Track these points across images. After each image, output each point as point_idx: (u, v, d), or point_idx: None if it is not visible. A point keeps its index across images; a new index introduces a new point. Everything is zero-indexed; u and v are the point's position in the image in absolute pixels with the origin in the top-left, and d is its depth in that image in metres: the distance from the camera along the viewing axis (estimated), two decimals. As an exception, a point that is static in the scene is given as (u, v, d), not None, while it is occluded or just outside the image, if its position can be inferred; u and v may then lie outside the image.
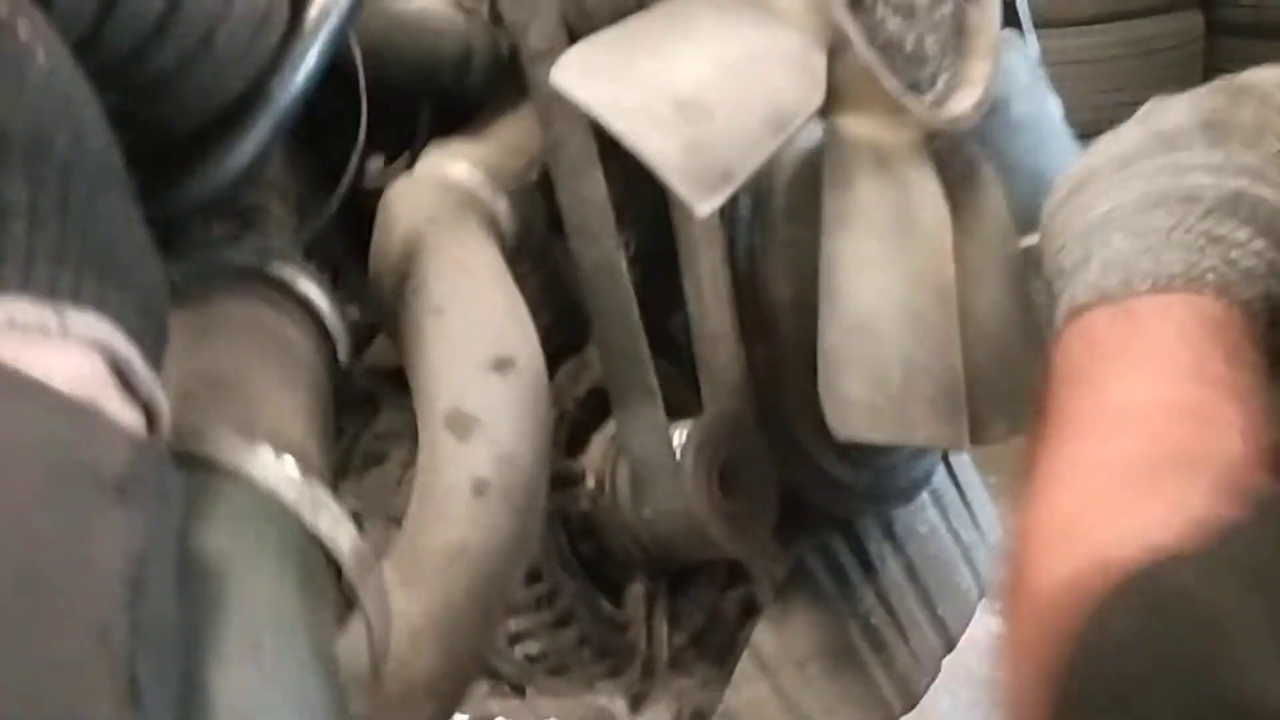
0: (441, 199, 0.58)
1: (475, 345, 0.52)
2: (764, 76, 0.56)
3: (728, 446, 0.64)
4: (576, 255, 0.62)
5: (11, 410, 0.29)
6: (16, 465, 0.28)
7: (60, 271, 0.30)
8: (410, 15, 0.61)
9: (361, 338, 0.62)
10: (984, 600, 1.06)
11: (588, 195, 0.60)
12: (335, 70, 0.57)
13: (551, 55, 0.55)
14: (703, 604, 0.71)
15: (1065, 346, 0.51)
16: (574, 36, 0.63)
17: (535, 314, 0.66)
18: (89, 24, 0.39)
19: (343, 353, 0.55)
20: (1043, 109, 0.87)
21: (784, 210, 0.76)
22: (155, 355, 0.34)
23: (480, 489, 0.48)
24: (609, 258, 0.61)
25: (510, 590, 0.50)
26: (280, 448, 0.42)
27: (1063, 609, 0.38)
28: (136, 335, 0.32)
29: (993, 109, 0.80)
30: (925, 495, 1.01)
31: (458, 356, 0.51)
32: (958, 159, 0.73)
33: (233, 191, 0.49)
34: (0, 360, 0.29)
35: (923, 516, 1.00)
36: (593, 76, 0.50)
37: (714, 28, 0.56)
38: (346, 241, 0.62)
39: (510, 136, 0.63)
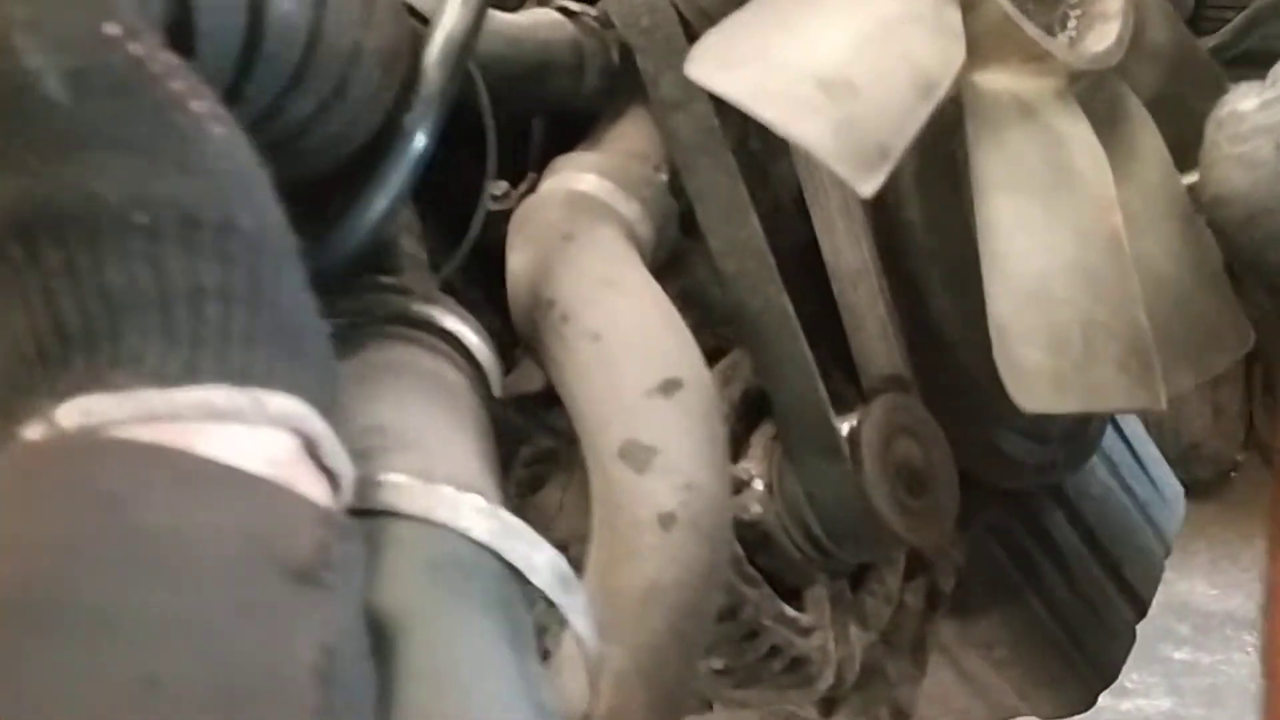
0: (575, 213, 0.56)
1: (639, 369, 0.49)
2: (903, 42, 0.52)
3: (899, 436, 0.60)
4: (736, 304, 0.59)
5: (206, 501, 0.29)
6: (207, 564, 0.27)
7: (254, 353, 0.30)
8: (520, 28, 0.59)
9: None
10: (1169, 558, 1.00)
11: (744, 241, 0.58)
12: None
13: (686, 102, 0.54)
14: (888, 599, 0.68)
15: None
16: (693, 38, 0.60)
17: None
18: (229, 81, 0.38)
19: (495, 386, 0.53)
20: (1179, 35, 0.81)
21: (912, 177, 0.72)
22: (334, 423, 0.33)
23: (667, 522, 0.46)
24: (774, 304, 0.58)
25: (710, 620, 0.48)
26: (462, 486, 0.41)
27: None
28: (323, 409, 0.32)
29: (1130, 41, 0.74)
30: (1095, 458, 0.96)
31: (623, 383, 0.49)
32: (1104, 98, 0.68)
33: (376, 238, 0.47)
34: (198, 451, 0.29)
35: (1094, 478, 0.95)
36: (730, 65, 0.48)
37: (843, 2, 0.53)
38: (474, 271, 0.61)
39: (632, 141, 0.61)
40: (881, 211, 0.70)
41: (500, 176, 0.63)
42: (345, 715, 0.28)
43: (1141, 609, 0.94)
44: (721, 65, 0.48)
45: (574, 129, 0.64)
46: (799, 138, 0.46)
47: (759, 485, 0.61)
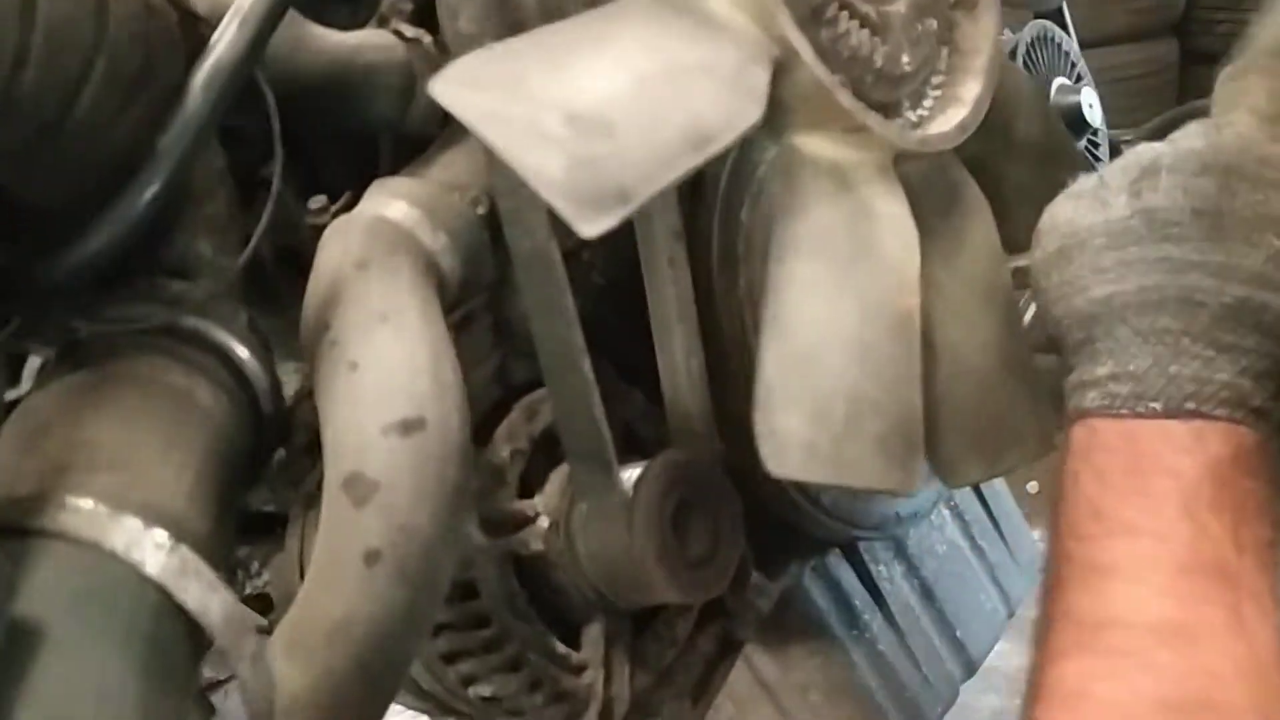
0: (373, 239, 0.57)
1: (384, 405, 0.50)
2: (686, 91, 0.51)
3: (682, 488, 0.61)
4: (538, 347, 0.59)
5: None
6: None
7: None
8: (344, 49, 0.59)
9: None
10: (1011, 619, 1.01)
11: (549, 299, 0.58)
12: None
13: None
14: (673, 641, 0.69)
15: (1073, 453, 0.52)
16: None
17: (484, 355, 0.65)
18: None
19: (266, 403, 0.54)
20: (1051, 128, 0.81)
21: (756, 240, 0.72)
22: None
23: (371, 559, 0.47)
24: (570, 357, 0.59)
25: (405, 662, 0.49)
26: (152, 517, 0.42)
27: None
28: None
29: (992, 130, 0.74)
30: (945, 511, 0.97)
31: (365, 416, 0.50)
32: (942, 183, 0.68)
33: (125, 246, 0.48)
34: None
35: (942, 534, 0.96)
36: (476, 87, 0.46)
37: (636, 39, 0.52)
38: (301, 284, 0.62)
39: (454, 170, 0.61)
40: (708, 265, 0.71)
41: (361, 181, 0.64)
42: None
43: (970, 668, 0.96)
44: (467, 85, 0.46)
45: (426, 145, 0.65)
46: (521, 168, 0.43)
47: (544, 523, 0.63)
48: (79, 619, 0.38)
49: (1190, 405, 0.49)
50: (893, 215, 0.61)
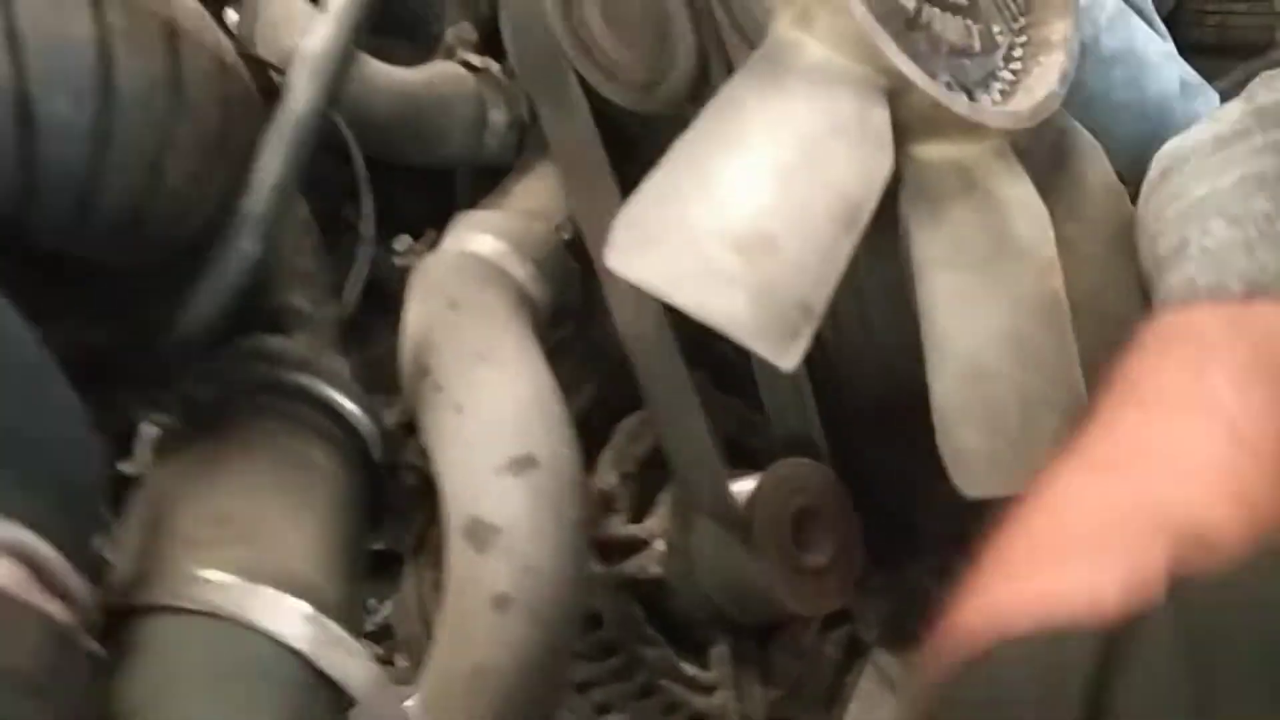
0: (462, 277, 0.56)
1: (493, 445, 0.49)
2: (824, 168, 0.49)
3: (796, 499, 0.59)
4: (636, 367, 0.58)
5: None
6: None
7: None
8: (414, 85, 0.59)
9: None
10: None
11: (644, 309, 0.57)
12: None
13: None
14: (799, 653, 0.67)
15: (1148, 340, 0.48)
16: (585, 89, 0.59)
17: (581, 380, 0.64)
18: (10, 216, 0.39)
19: (376, 451, 0.54)
20: (1135, 37, 0.77)
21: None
22: (83, 538, 0.35)
23: (501, 605, 0.46)
24: (670, 371, 0.58)
25: (550, 702, 0.48)
26: (286, 586, 0.42)
27: (944, 659, 0.36)
28: (57, 532, 0.33)
29: (1083, 51, 0.71)
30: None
31: (476, 458, 0.49)
32: (1049, 134, 0.65)
33: (228, 310, 0.48)
34: None
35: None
36: (645, 245, 0.46)
37: (763, 124, 0.50)
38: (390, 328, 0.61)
39: (534, 198, 0.61)
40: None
41: (440, 217, 0.63)
42: None
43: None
44: (638, 246, 0.46)
45: (503, 175, 0.64)
46: (716, 322, 0.44)
47: (659, 545, 0.61)
48: (224, 697, 0.37)
49: (1273, 285, 0.45)
50: (1019, 199, 0.59)
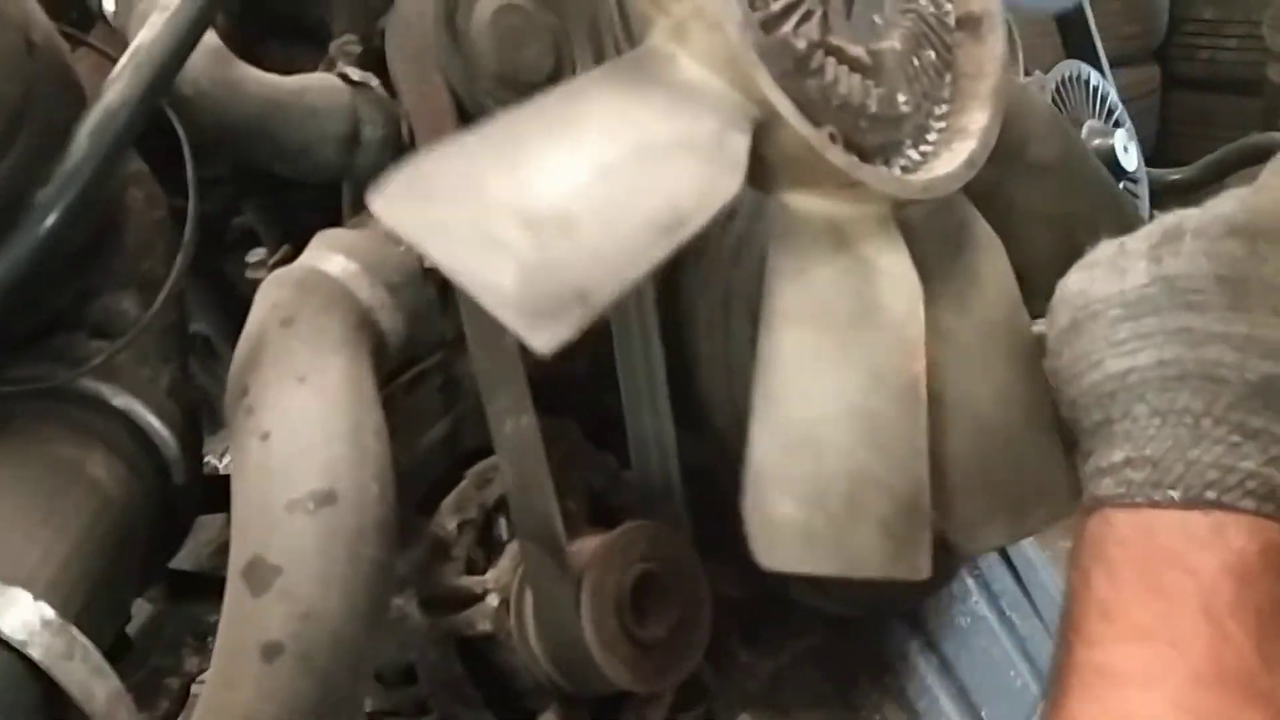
0: (304, 295, 0.53)
1: (292, 477, 0.46)
2: (656, 173, 0.46)
3: (637, 567, 0.56)
4: (475, 365, 0.55)
5: None
6: None
7: None
8: (282, 92, 0.56)
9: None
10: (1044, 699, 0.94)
11: (500, 364, 0.54)
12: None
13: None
14: (643, 731, 0.63)
15: (1085, 547, 0.48)
16: (461, 108, 0.57)
17: (436, 417, 0.61)
18: None
19: (178, 474, 0.50)
20: (1070, 151, 0.75)
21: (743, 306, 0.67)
22: None
23: (270, 653, 0.42)
24: (520, 423, 0.54)
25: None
26: (35, 594, 0.38)
27: None
28: None
29: (1007, 156, 0.69)
30: (969, 581, 0.90)
31: (271, 492, 0.46)
32: (950, 221, 0.62)
33: (7, 302, 0.44)
34: None
35: (964, 606, 0.89)
36: (421, 198, 0.42)
37: (602, 120, 0.47)
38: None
39: (398, 221, 0.57)
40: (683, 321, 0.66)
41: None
42: None
43: (998, 753, 0.88)
44: (411, 196, 0.42)
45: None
46: (468, 284, 0.39)
47: (494, 601, 0.58)
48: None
49: (1211, 495, 0.44)
50: (894, 272, 0.56)
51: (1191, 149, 1.03)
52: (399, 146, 0.60)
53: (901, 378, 0.55)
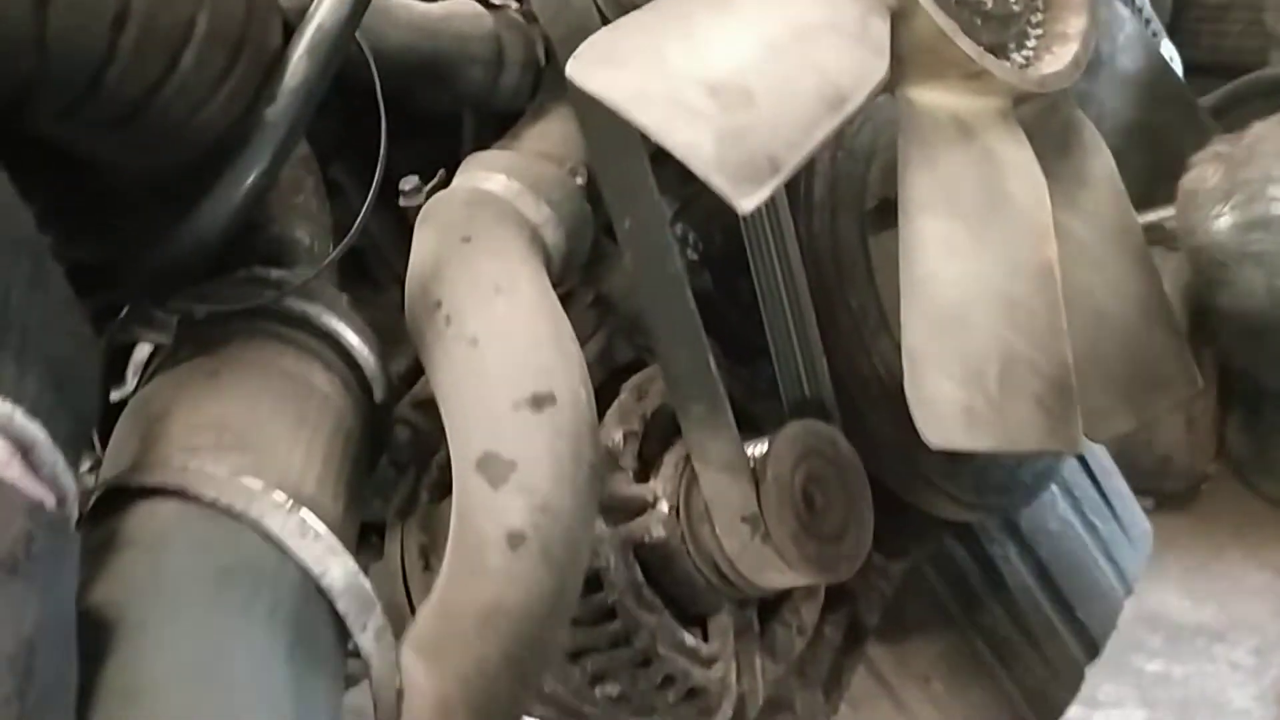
0: (476, 215, 0.54)
1: (511, 380, 0.47)
2: (815, 52, 0.49)
3: (808, 462, 0.58)
4: (645, 313, 0.57)
5: None
6: None
7: None
8: (432, 19, 0.57)
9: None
10: (1130, 598, 0.97)
11: (655, 251, 0.55)
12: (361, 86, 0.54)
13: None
14: (801, 629, 0.65)
15: None
16: (607, 23, 0.58)
17: (591, 331, 0.62)
18: (15, 98, 0.36)
19: (379, 391, 0.51)
20: (1153, 62, 0.77)
21: (872, 196, 0.69)
22: (75, 429, 0.33)
23: (515, 542, 0.43)
24: (680, 318, 0.56)
25: (552, 653, 0.46)
26: (282, 490, 0.39)
27: None
28: (46, 413, 0.31)
29: (1097, 65, 0.71)
30: (1054, 488, 0.93)
31: (493, 392, 0.47)
32: (1056, 122, 0.65)
33: (235, 225, 0.45)
34: None
35: (1053, 512, 0.92)
36: (613, 66, 0.45)
37: (756, 2, 0.50)
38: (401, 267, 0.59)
39: (549, 141, 0.59)
40: (823, 237, 0.67)
41: (439, 166, 0.61)
42: (40, 708, 0.28)
43: (1093, 649, 0.91)
44: (604, 64, 0.45)
45: (511, 121, 0.62)
46: (675, 146, 0.42)
47: (664, 507, 0.59)
48: (223, 600, 0.35)
49: None
50: (1019, 162, 0.58)
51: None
52: (537, 70, 0.60)
53: (1036, 263, 0.57)
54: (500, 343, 0.48)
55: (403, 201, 0.58)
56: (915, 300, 0.53)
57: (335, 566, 0.38)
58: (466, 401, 0.47)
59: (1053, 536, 0.90)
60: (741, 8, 0.50)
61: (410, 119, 0.63)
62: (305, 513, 0.38)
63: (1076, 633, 0.90)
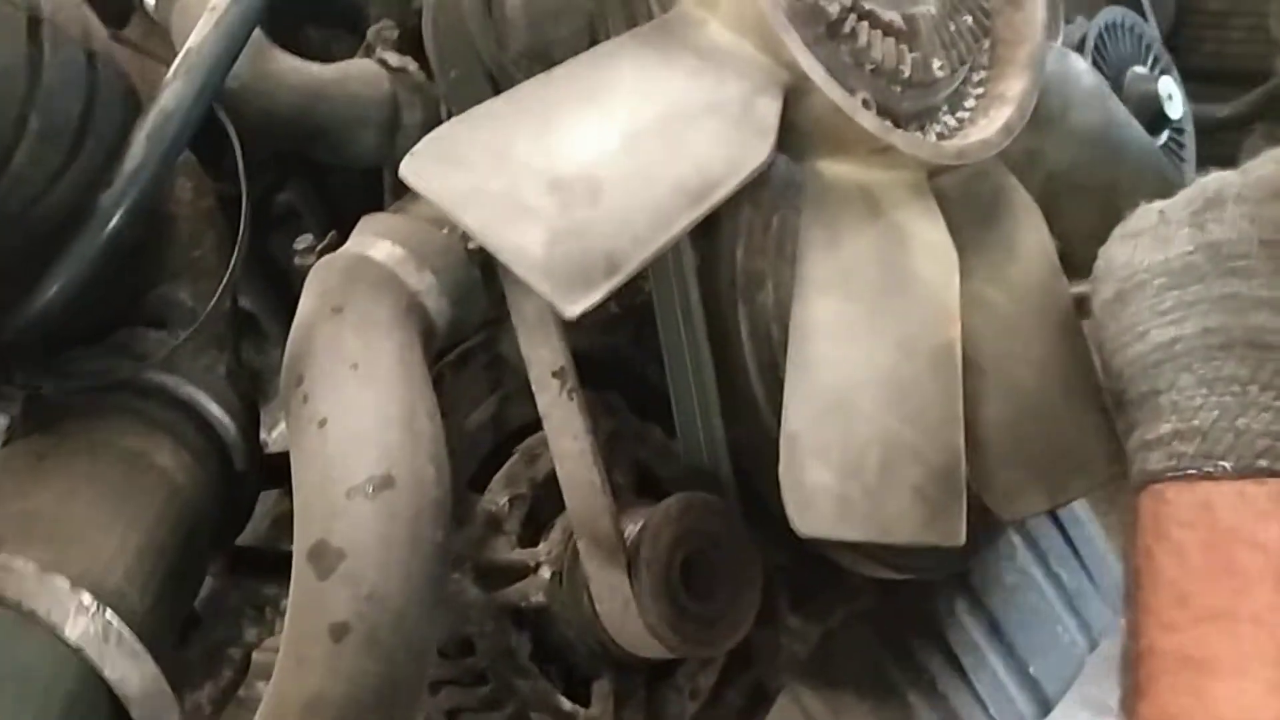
0: (353, 282, 0.54)
1: (351, 463, 0.47)
2: (685, 139, 0.47)
3: (688, 541, 0.57)
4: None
5: None
6: None
7: None
8: (324, 81, 0.57)
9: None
10: (1093, 653, 0.94)
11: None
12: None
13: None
14: (695, 693, 0.65)
15: (1144, 527, 0.48)
16: (497, 90, 0.57)
17: (486, 393, 0.62)
18: None
19: (239, 460, 0.52)
20: (1112, 119, 0.74)
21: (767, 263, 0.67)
22: None
23: (338, 633, 0.44)
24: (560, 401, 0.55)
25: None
26: (83, 585, 0.40)
27: None
28: None
29: (1046, 121, 0.68)
30: (1015, 539, 0.90)
31: (331, 477, 0.47)
32: (985, 188, 0.62)
33: (77, 300, 0.46)
34: None
35: (1011, 564, 0.89)
36: (450, 163, 0.43)
37: (631, 86, 0.48)
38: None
39: (441, 205, 0.58)
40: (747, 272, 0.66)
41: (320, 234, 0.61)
42: None
43: (1045, 707, 0.89)
44: (441, 161, 0.43)
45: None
46: (500, 250, 0.41)
47: (546, 573, 0.59)
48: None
49: (1264, 463, 0.44)
50: (928, 239, 0.56)
51: (1197, 140, 1.01)
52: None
53: (934, 345, 0.55)
54: (346, 424, 0.48)
55: (296, 260, 0.58)
56: (799, 384, 0.52)
57: (134, 674, 0.39)
58: (308, 487, 0.47)
59: (1007, 589, 0.88)
60: (610, 95, 0.48)
61: (345, 168, 0.63)
62: (110, 614, 0.39)
63: (1028, 690, 0.88)
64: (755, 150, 0.49)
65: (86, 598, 0.39)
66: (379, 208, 0.62)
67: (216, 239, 0.58)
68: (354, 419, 0.48)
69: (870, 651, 0.79)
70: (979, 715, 0.84)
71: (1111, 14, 1.01)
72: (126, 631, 0.39)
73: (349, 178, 0.67)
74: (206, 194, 0.59)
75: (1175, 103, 0.97)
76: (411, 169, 0.43)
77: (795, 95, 0.51)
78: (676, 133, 0.48)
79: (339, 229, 0.58)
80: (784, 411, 0.51)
